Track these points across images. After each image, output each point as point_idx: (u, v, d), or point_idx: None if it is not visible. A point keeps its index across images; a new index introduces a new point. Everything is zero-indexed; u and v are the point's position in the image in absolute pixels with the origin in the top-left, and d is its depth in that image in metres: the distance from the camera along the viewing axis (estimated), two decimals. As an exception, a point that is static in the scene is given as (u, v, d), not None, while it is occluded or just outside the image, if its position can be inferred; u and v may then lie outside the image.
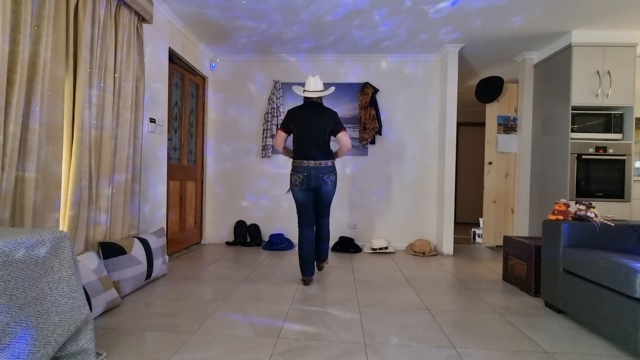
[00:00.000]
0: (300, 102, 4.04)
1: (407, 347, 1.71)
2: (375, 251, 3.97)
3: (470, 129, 6.60)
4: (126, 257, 2.33)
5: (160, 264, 2.73)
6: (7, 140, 1.63)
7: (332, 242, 4.17)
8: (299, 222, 2.79)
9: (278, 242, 4.03)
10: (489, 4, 2.94)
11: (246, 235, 4.22)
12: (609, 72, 3.33)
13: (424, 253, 3.87)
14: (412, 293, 2.55)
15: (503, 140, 4.37)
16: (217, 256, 3.61)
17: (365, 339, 1.79)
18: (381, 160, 4.23)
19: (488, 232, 4.46)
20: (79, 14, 2.07)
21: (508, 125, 4.38)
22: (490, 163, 4.42)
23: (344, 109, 4.22)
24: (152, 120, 3.02)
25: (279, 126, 2.64)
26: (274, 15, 3.24)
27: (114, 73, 2.39)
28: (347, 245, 4.02)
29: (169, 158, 3.48)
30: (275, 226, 4.28)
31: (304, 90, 2.79)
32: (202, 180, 4.24)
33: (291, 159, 2.80)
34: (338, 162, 4.21)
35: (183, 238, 3.81)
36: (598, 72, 3.35)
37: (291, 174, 2.72)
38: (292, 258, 3.58)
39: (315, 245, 2.85)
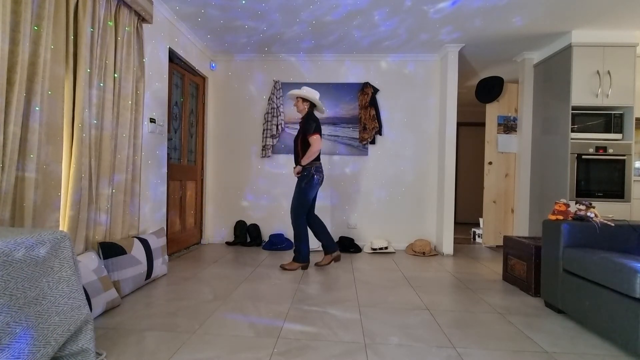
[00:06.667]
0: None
1: (407, 347, 1.71)
2: (375, 251, 3.97)
3: (470, 129, 6.60)
4: (126, 257, 2.33)
5: (160, 264, 2.73)
6: (7, 140, 1.63)
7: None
8: (302, 214, 3.08)
9: (278, 242, 4.03)
10: (489, 4, 2.94)
11: (246, 235, 4.22)
12: (609, 72, 3.33)
13: (424, 253, 3.87)
14: (412, 293, 2.55)
15: (503, 140, 4.37)
16: (217, 256, 3.61)
17: (365, 339, 1.79)
18: (381, 160, 4.23)
19: (488, 232, 4.46)
20: (79, 14, 2.07)
21: (508, 125, 4.38)
22: (490, 163, 4.42)
23: (344, 109, 4.22)
24: (152, 120, 3.02)
25: (313, 130, 3.01)
26: (274, 15, 3.24)
27: (114, 73, 2.39)
28: (347, 245, 4.01)
29: (169, 158, 3.48)
30: (275, 226, 4.28)
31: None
32: (202, 180, 4.24)
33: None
34: (339, 162, 4.24)
35: (183, 238, 3.81)
36: (598, 72, 3.35)
37: (314, 174, 3.04)
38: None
39: (323, 231, 3.23)
